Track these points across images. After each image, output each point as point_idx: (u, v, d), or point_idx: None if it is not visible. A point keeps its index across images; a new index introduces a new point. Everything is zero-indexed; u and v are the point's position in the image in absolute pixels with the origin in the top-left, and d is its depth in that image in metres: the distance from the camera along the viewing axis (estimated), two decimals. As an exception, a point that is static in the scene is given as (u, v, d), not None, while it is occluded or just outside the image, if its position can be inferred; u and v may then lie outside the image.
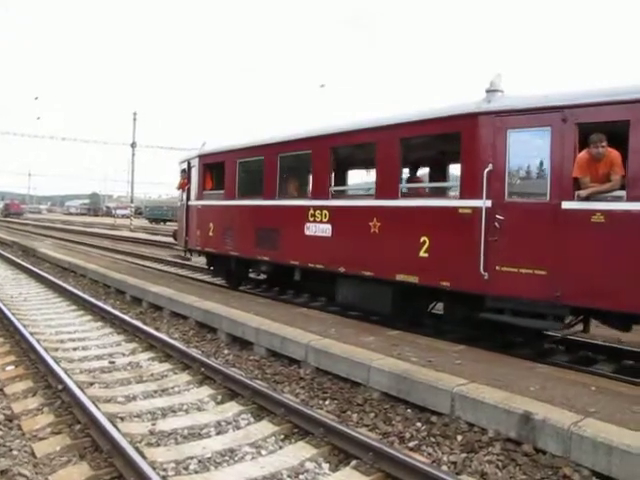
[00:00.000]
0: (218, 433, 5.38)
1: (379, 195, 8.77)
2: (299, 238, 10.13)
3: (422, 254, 7.86)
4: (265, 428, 5.44)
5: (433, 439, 5.19)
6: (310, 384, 6.74)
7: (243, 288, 13.57)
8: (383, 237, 8.52)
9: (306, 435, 5.24)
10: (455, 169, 9.65)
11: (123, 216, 74.07)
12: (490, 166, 7.05)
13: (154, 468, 4.36)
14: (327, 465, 4.74)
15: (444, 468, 4.67)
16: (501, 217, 6.97)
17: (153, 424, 5.47)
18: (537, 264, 6.71)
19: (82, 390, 5.97)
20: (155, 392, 6.53)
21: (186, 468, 4.60)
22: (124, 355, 8.12)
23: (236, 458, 4.84)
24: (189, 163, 14.42)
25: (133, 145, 48.73)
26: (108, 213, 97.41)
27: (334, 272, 9.45)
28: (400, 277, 8.22)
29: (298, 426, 5.39)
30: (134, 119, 47.94)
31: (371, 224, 8.66)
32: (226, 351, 8.41)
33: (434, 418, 5.50)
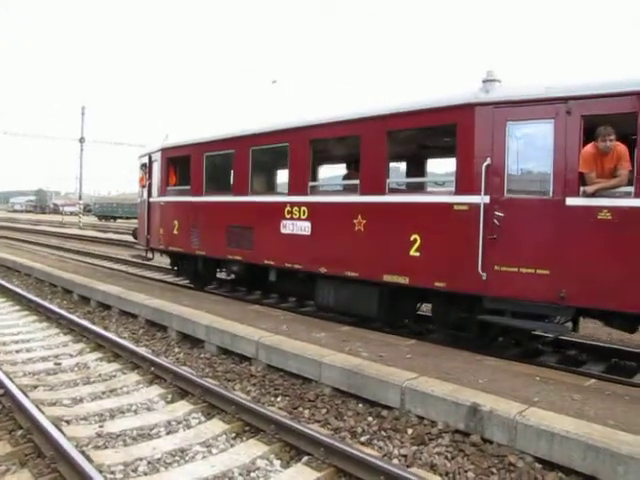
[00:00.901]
0: (168, 433, 5.29)
1: (364, 190, 8.23)
2: (275, 236, 9.53)
3: (413, 253, 7.43)
4: (216, 427, 5.38)
5: (384, 433, 5.24)
6: (261, 381, 6.71)
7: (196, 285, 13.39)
8: (368, 235, 8.02)
9: (257, 432, 5.21)
10: (445, 163, 9.35)
11: (71, 213, 72.04)
12: (488, 160, 6.71)
13: (101, 471, 4.26)
14: (278, 462, 4.73)
15: (395, 461, 4.73)
16: (500, 214, 6.64)
17: (101, 426, 5.33)
18: (539, 263, 6.42)
19: (25, 394, 5.76)
20: (103, 393, 6.37)
21: (135, 470, 4.51)
22: (71, 356, 7.89)
23: (187, 458, 4.77)
24: (150, 157, 13.63)
25: (81, 140, 47.39)
26: (55, 210, 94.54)
27: (314, 273, 8.95)
28: (388, 278, 7.76)
29: (249, 424, 5.35)
30: (82, 114, 46.68)
31: (355, 221, 8.17)
32: (177, 349, 8.29)
33: (385, 412, 5.56)
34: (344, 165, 10.93)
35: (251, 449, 4.90)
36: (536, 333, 7.99)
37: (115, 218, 64.78)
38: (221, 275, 13.02)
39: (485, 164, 6.72)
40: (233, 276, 12.70)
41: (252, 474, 4.50)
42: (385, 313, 8.31)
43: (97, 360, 7.68)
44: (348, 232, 8.26)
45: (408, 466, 4.63)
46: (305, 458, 4.69)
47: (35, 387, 6.46)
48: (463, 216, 6.95)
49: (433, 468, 4.60)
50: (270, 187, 12.36)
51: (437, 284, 7.21)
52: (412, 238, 7.44)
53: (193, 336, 8.44)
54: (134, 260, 17.20)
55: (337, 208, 8.71)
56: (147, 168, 13.85)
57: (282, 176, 12.28)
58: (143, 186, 14.19)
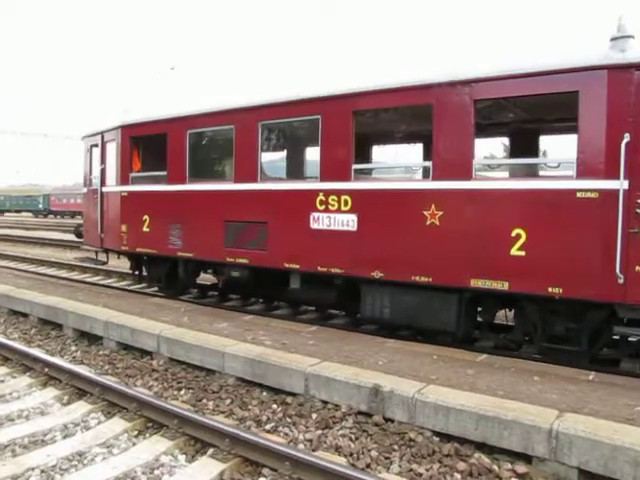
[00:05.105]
0: (65, 437, 5.04)
1: (439, 175, 6.65)
2: (301, 234, 7.73)
3: (515, 252, 6.09)
4: (117, 425, 5.20)
5: (289, 419, 5.28)
6: (164, 375, 6.56)
7: (93, 280, 12.83)
8: (447, 231, 6.52)
9: (160, 428, 5.09)
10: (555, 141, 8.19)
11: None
12: (627, 136, 5.45)
13: (-16, 488, 3.99)
14: (183, 456, 4.65)
15: (300, 446, 4.78)
16: None
17: (-15, 438, 4.98)
18: None
19: None
20: (-11, 401, 5.96)
21: (26, 482, 4.25)
22: (-50, 365, 7.29)
23: (85, 461, 4.56)
24: (103, 137, 11.17)
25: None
26: None
27: (362, 278, 7.29)
28: (477, 283, 6.33)
29: (152, 420, 5.22)
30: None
31: (427, 213, 6.64)
32: (73, 347, 7.92)
33: (289, 399, 5.61)
34: (397, 144, 9.93)
35: (154, 446, 4.77)
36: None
37: (2, 212, 61.04)
38: (203, 283, 10.97)
39: (625, 141, 5.47)
40: (216, 283, 10.50)
41: (156, 471, 4.39)
42: (465, 324, 6.86)
43: (-18, 366, 7.16)
44: (415, 227, 6.76)
45: (314, 450, 4.70)
46: (210, 450, 4.64)
47: None
48: (591, 205, 5.68)
49: (338, 450, 4.69)
50: (290, 172, 10.33)
51: (551, 290, 5.92)
52: (514, 234, 6.13)
53: (91, 333, 8.10)
54: (24, 256, 16.09)
55: (397, 197, 7.06)
56: (93, 151, 11.67)
57: (309, 157, 10.24)
58: (91, 172, 11.85)
